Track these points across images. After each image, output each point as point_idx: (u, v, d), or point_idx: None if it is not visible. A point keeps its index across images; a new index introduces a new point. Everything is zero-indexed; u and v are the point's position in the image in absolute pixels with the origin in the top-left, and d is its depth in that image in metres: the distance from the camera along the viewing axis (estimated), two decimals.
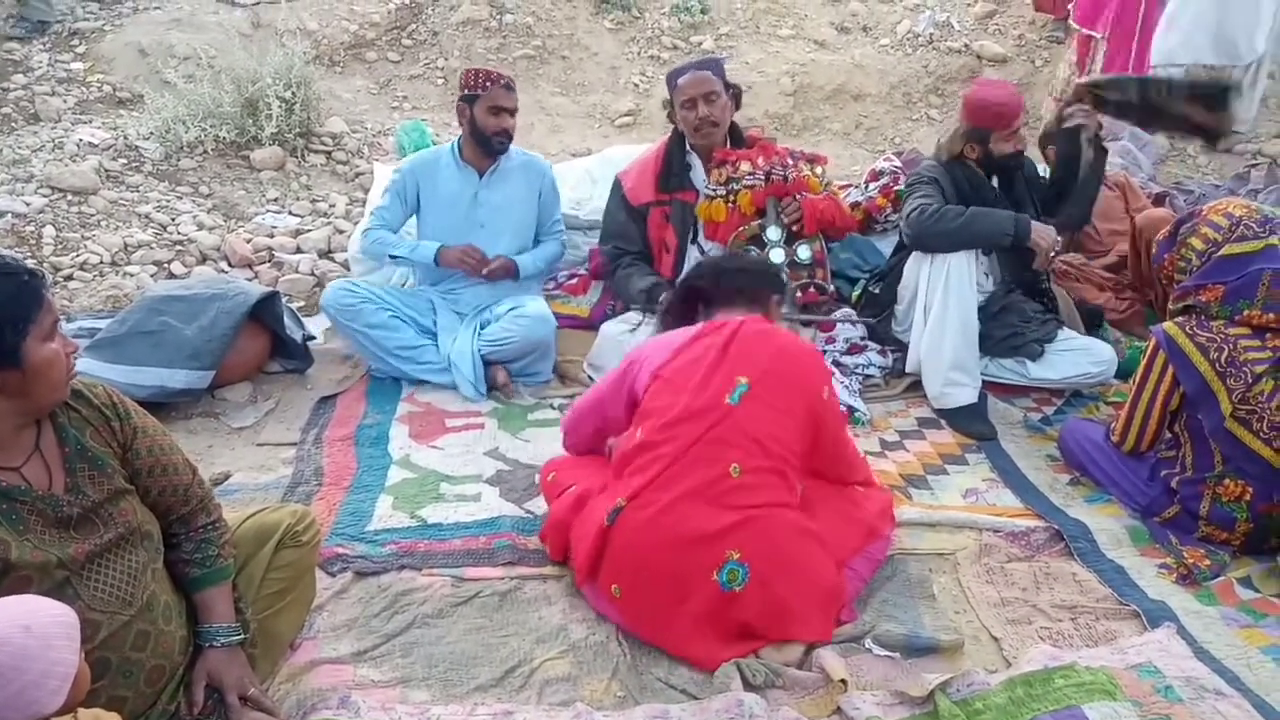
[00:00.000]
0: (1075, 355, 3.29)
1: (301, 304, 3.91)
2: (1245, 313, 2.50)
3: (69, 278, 3.84)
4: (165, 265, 4.03)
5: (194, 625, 1.83)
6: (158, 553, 1.79)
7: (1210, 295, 2.55)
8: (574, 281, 3.93)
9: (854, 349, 3.50)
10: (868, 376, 3.45)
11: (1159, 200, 4.43)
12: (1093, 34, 5.45)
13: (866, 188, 4.20)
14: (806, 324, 3.44)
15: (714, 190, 3.42)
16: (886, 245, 3.90)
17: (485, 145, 3.44)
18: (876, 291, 3.59)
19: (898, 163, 4.32)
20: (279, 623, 2.02)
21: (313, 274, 4.07)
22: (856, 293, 3.75)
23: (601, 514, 2.17)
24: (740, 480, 2.12)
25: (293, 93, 4.94)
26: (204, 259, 4.13)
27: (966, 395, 3.22)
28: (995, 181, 3.37)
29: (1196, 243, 2.60)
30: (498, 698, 2.01)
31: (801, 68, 6.32)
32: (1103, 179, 3.51)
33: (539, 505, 2.65)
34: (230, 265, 4.11)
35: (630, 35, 6.62)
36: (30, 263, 3.56)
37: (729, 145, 3.48)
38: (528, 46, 6.33)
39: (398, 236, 3.56)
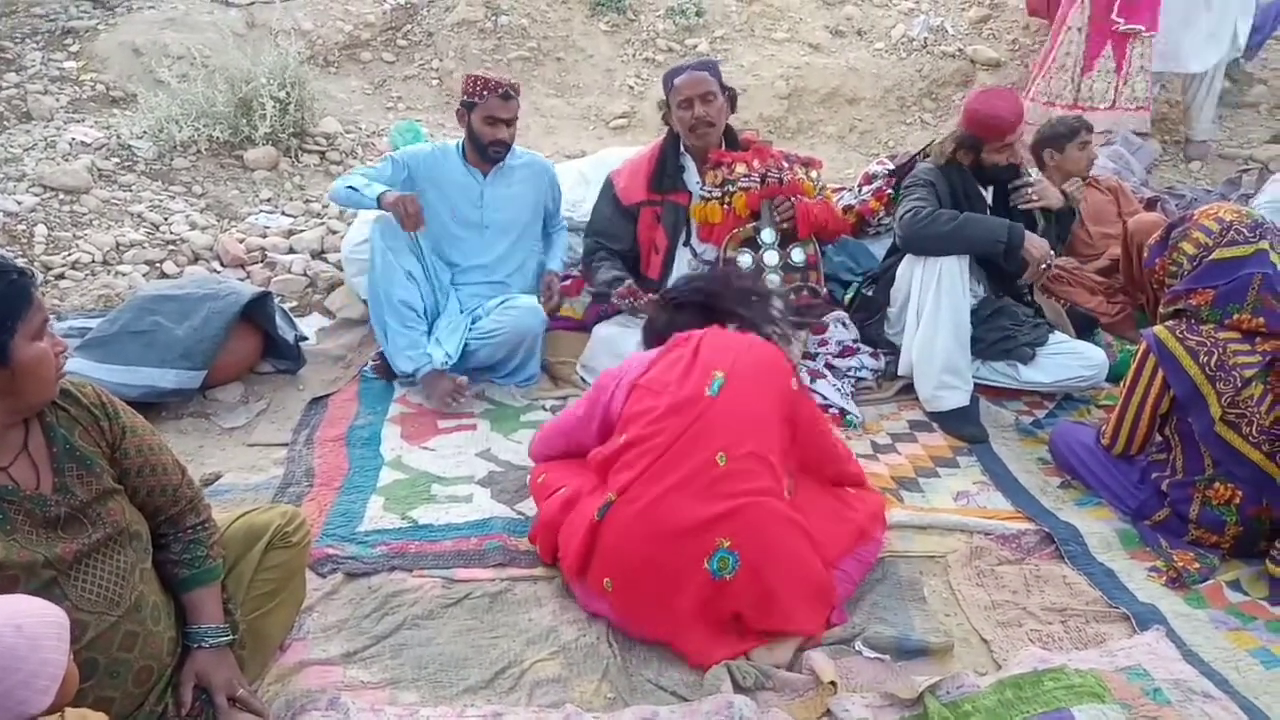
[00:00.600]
0: (1066, 359, 3.30)
1: (294, 304, 3.90)
2: (1235, 317, 2.51)
3: (60, 277, 3.82)
4: (157, 265, 4.01)
5: (182, 626, 1.82)
6: (146, 553, 1.78)
7: (1201, 299, 2.56)
8: (567, 283, 3.93)
9: (846, 351, 3.50)
10: (860, 379, 3.45)
11: (1151, 205, 4.45)
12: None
13: (859, 191, 4.20)
14: (799, 326, 3.44)
15: (709, 192, 3.42)
16: (879, 248, 3.91)
17: (482, 153, 3.44)
18: (869, 294, 3.59)
19: (891, 166, 4.33)
20: (268, 624, 2.01)
21: (305, 274, 4.06)
22: (849, 295, 3.76)
23: (591, 511, 2.18)
24: (727, 468, 2.14)
25: (287, 93, 4.94)
26: (196, 259, 4.11)
27: (958, 398, 3.23)
28: (991, 191, 3.38)
29: (1188, 247, 2.61)
30: (487, 699, 2.01)
31: (796, 71, 6.33)
32: (1069, 227, 3.58)
33: (530, 507, 2.65)
34: (223, 265, 4.10)
35: (625, 37, 6.63)
36: (21, 261, 3.55)
37: (724, 148, 3.49)
38: (523, 48, 6.33)
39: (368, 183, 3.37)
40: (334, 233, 4.34)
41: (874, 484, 2.75)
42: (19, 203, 4.08)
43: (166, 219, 4.30)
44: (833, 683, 2.00)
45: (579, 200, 4.17)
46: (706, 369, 2.27)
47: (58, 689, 1.35)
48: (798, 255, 3.43)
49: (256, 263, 4.14)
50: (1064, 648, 2.18)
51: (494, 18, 6.39)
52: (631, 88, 6.32)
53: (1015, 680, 2.00)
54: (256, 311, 3.30)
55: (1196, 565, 2.48)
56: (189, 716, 1.76)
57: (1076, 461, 2.89)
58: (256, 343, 3.39)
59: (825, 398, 3.27)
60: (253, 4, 6.11)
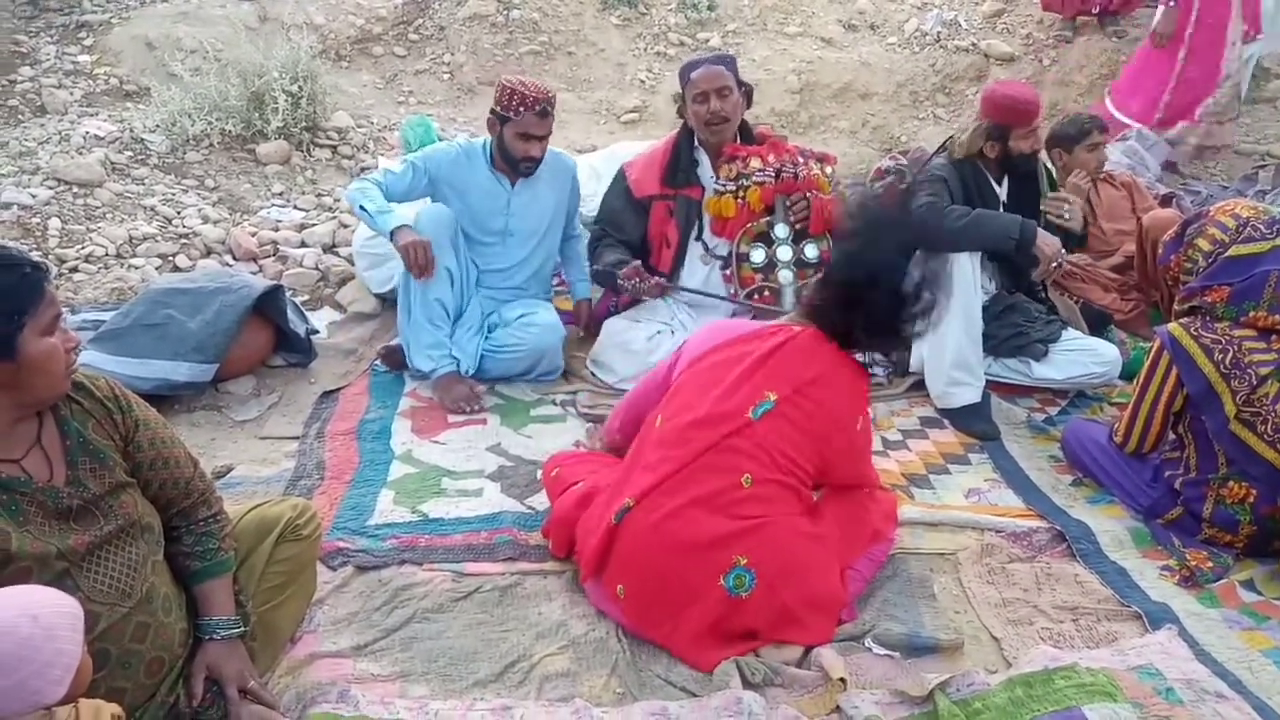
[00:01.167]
0: (1079, 355, 3.28)
1: (305, 298, 3.92)
2: (1251, 314, 2.49)
3: (74, 270, 3.84)
4: (170, 258, 4.03)
5: (194, 618, 1.83)
6: (158, 545, 1.79)
7: (1216, 296, 2.54)
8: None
9: None
10: (871, 375, 3.43)
11: (1166, 201, 4.42)
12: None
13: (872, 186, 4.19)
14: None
15: (724, 186, 3.40)
16: None
17: (512, 166, 3.37)
18: None
19: (904, 161, 4.31)
20: (279, 616, 2.02)
21: (317, 268, 4.07)
22: None
23: (609, 511, 2.16)
24: (752, 490, 2.09)
25: (299, 87, 4.95)
26: (209, 252, 4.13)
27: (970, 395, 3.21)
28: (1006, 185, 3.36)
29: (1203, 243, 2.59)
30: (497, 693, 2.01)
31: (808, 65, 6.31)
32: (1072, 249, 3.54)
33: (541, 501, 2.65)
34: (235, 259, 4.11)
35: (637, 31, 6.62)
36: (35, 255, 3.56)
37: (739, 142, 3.47)
38: (534, 42, 6.32)
39: (383, 198, 3.31)
40: (345, 227, 4.35)
41: (885, 480, 2.74)
42: (34, 196, 4.10)
43: (179, 213, 4.32)
44: (842, 679, 1.99)
45: (590, 195, 4.16)
46: (761, 386, 2.16)
47: (72, 679, 1.37)
48: (811, 251, 3.41)
49: (268, 256, 4.15)
50: (1075, 646, 2.17)
51: (506, 12, 6.39)
52: (643, 82, 6.31)
53: (1026, 678, 1.98)
54: (268, 305, 3.31)
55: (1210, 564, 2.46)
56: (200, 708, 1.77)
57: (1089, 459, 2.87)
58: (268, 336, 3.40)
59: None
60: None
